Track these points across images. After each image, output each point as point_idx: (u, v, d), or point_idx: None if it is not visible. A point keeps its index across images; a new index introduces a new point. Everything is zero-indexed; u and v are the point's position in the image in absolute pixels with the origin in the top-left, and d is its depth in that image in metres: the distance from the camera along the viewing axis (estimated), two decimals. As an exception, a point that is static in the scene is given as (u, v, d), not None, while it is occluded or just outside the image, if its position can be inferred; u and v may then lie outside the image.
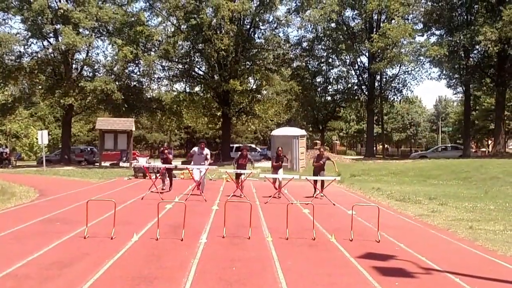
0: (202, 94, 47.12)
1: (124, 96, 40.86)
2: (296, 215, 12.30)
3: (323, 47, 50.51)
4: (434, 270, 7.40)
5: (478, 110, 63.46)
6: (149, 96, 47.81)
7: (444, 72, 47.63)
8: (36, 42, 43.28)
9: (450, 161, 32.75)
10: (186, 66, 45.70)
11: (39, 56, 43.00)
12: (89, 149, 49.09)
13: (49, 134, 41.27)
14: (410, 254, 8.52)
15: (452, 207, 14.37)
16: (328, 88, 54.48)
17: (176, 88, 49.48)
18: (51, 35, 42.26)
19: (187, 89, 47.81)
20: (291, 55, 48.82)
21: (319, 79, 54.17)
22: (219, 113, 48.06)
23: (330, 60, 51.38)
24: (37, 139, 39.23)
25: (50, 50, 42.21)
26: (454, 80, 50.20)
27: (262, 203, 15.00)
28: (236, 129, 63.09)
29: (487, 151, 56.83)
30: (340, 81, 53.26)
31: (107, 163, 36.01)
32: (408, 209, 14.11)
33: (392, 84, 51.23)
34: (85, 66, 44.34)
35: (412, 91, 73.61)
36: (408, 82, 51.89)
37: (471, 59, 45.33)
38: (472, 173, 25.50)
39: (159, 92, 51.81)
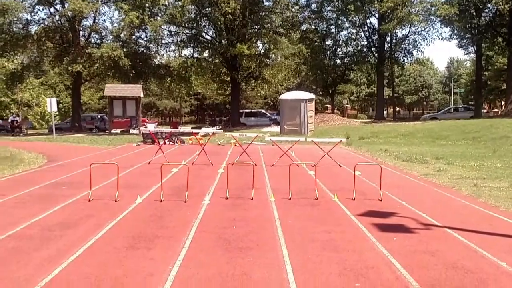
0: (210, 59, 46.80)
1: (131, 63, 40.86)
2: (301, 177, 12.34)
3: (332, 9, 49.98)
4: (433, 226, 7.45)
5: (490, 70, 62.20)
6: (157, 63, 47.71)
7: (455, 31, 47.21)
8: (43, 9, 43.44)
9: (461, 121, 32.49)
10: (193, 31, 45.68)
11: (46, 23, 43.09)
12: (99, 116, 49.15)
13: (60, 103, 41.75)
14: (411, 211, 8.51)
15: (458, 166, 14.31)
16: (338, 51, 53.96)
17: (184, 54, 49.40)
18: (57, 1, 42.27)
19: (195, 55, 47.75)
20: (300, 18, 48.44)
21: (328, 41, 53.73)
22: (228, 79, 48.01)
23: (339, 22, 50.94)
24: (46, 106, 39.55)
25: (57, 17, 42.22)
26: (465, 40, 49.47)
27: (268, 165, 15.07)
28: (245, 94, 62.97)
29: (499, 112, 56.08)
30: (349, 43, 52.64)
31: (118, 131, 36.01)
32: (414, 169, 14.09)
33: (402, 46, 50.76)
34: (92, 33, 44.38)
35: (423, 51, 72.38)
36: (419, 43, 51.09)
37: (482, 18, 44.70)
38: (481, 133, 25.38)
39: (168, 58, 51.48)
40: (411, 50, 50.83)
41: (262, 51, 45.83)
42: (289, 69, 48.42)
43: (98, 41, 43.99)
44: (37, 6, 42.19)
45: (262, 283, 5.10)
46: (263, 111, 55.17)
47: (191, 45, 46.75)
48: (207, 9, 42.78)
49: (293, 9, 45.22)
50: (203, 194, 10.19)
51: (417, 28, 48.91)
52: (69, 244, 6.62)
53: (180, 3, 41.56)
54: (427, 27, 48.44)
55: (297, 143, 17.18)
